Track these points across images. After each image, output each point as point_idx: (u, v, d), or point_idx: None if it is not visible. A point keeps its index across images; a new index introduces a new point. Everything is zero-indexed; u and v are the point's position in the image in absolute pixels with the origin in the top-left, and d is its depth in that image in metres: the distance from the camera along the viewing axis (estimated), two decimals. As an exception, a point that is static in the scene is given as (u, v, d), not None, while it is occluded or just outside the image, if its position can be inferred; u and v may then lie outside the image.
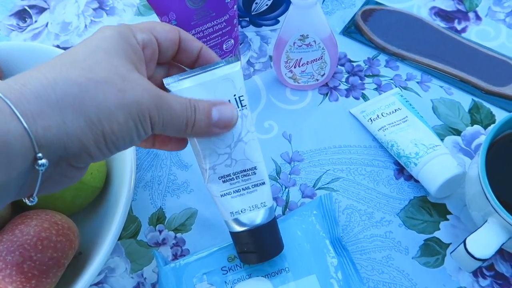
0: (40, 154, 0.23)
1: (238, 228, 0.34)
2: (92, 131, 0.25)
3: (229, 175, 0.33)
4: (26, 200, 0.26)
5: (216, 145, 0.32)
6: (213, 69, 0.32)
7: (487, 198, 0.34)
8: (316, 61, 0.46)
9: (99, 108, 0.25)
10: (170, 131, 0.29)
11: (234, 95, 0.32)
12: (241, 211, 0.34)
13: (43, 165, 0.24)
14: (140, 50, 0.29)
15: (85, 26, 0.57)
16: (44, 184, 0.26)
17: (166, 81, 0.32)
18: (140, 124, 0.27)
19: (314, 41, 0.44)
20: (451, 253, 0.36)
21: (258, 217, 0.34)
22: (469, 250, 0.33)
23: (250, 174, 0.33)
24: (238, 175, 0.33)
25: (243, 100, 0.32)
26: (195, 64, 0.33)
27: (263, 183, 0.34)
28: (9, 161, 0.23)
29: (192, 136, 0.31)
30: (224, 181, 0.33)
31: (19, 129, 0.23)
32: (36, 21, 0.58)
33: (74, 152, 0.25)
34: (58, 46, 0.56)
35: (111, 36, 0.27)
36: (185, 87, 0.31)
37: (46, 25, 0.58)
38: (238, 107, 0.32)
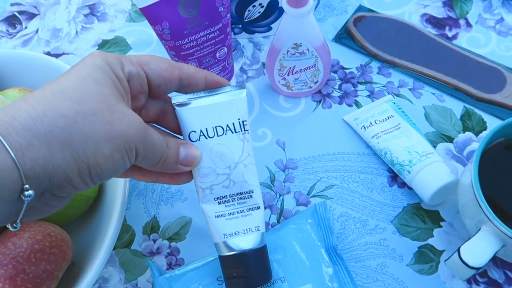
0: (27, 186, 0.24)
1: (229, 252, 0.34)
2: (77, 164, 0.25)
3: (225, 196, 0.33)
4: (10, 226, 0.26)
5: (216, 164, 0.33)
6: (221, 93, 0.33)
7: (480, 206, 0.35)
8: (309, 68, 0.46)
9: (86, 141, 0.25)
10: (145, 163, 0.30)
11: (238, 119, 0.33)
12: (234, 234, 0.34)
13: (29, 196, 0.24)
14: (126, 83, 0.29)
15: (76, 32, 0.57)
16: (28, 212, 0.26)
17: (174, 100, 0.33)
18: (126, 156, 0.27)
19: (307, 49, 0.44)
20: (445, 261, 0.36)
21: (250, 241, 0.34)
22: (463, 258, 0.34)
23: (247, 197, 0.34)
24: (235, 197, 0.33)
25: (246, 124, 0.33)
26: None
27: (258, 208, 0.34)
28: None
29: (158, 170, 0.32)
30: (220, 203, 0.34)
31: (8, 161, 0.23)
32: (26, 27, 0.58)
33: (58, 183, 0.25)
34: (49, 53, 0.55)
35: (101, 65, 0.28)
36: (193, 107, 0.32)
37: (37, 32, 0.57)
38: (241, 131, 0.33)
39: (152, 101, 0.32)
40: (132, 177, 0.34)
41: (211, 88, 0.33)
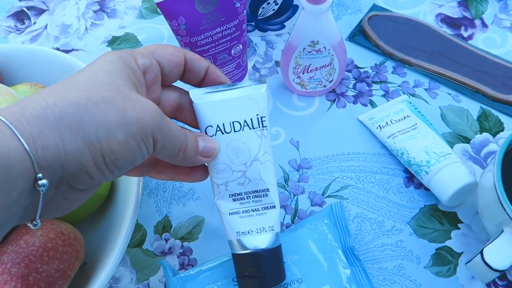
0: (40, 175, 0.24)
1: (242, 250, 0.33)
2: (91, 151, 0.25)
3: (240, 194, 0.33)
4: (30, 224, 0.26)
5: (232, 161, 0.32)
6: (240, 87, 0.32)
7: (503, 208, 0.34)
8: (325, 67, 0.45)
9: (98, 127, 0.25)
10: (165, 154, 0.29)
11: (257, 115, 0.32)
12: (248, 232, 0.33)
13: (43, 185, 0.24)
14: (141, 74, 0.29)
15: (86, 28, 0.56)
16: (46, 208, 0.26)
17: (192, 92, 0.32)
18: (142, 143, 0.27)
19: (324, 47, 0.43)
20: (466, 263, 0.35)
21: (264, 240, 0.33)
22: (487, 261, 0.33)
23: (262, 196, 0.33)
24: (250, 195, 0.33)
25: (264, 120, 0.32)
26: (203, 83, 0.33)
27: (274, 207, 0.33)
28: (10, 182, 0.23)
29: (178, 163, 0.31)
30: (234, 200, 0.33)
31: (20, 150, 0.23)
32: (35, 23, 0.57)
33: (72, 172, 0.25)
34: (58, 49, 0.55)
35: (113, 60, 0.28)
36: (210, 100, 0.32)
37: (45, 27, 0.56)
38: (259, 127, 0.32)
39: (168, 96, 0.32)
40: (149, 174, 0.33)
41: (210, 77, 0.33)
